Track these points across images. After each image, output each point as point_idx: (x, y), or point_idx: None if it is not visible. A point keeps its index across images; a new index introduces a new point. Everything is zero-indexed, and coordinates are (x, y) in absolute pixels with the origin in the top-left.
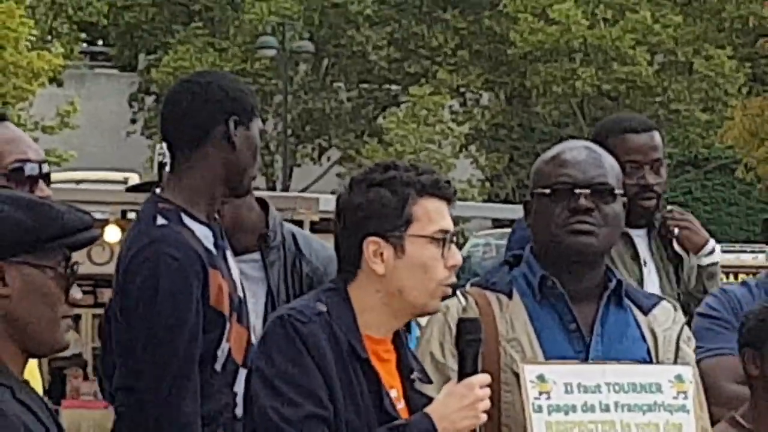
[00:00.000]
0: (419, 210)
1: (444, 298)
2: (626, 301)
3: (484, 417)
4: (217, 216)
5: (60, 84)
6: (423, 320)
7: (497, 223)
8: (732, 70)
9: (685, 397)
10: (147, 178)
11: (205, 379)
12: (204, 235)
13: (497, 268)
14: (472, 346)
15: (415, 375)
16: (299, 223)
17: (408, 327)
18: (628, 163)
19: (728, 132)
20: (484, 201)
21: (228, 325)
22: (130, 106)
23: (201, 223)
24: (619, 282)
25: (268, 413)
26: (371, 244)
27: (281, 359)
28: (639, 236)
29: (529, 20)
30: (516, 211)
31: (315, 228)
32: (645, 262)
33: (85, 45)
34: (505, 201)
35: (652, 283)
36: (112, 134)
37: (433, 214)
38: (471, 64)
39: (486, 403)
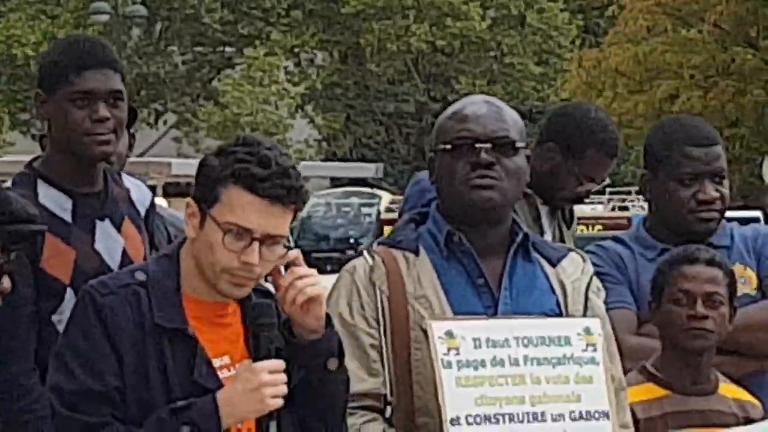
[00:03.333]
0: (226, 195)
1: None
2: (534, 254)
3: (272, 403)
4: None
5: None
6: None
7: (336, 182)
8: (564, 23)
9: (594, 350)
10: None
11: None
12: (55, 201)
13: (403, 226)
14: (264, 331)
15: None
16: (152, 188)
17: None
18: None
19: (565, 84)
20: (322, 161)
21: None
22: None
23: (61, 190)
24: (526, 235)
25: (49, 388)
26: (189, 206)
27: (74, 332)
28: (543, 210)
29: None
30: (354, 170)
31: (167, 191)
32: (544, 230)
33: None
34: (343, 159)
35: None
36: None
37: (236, 207)
38: (304, 24)
39: (274, 390)
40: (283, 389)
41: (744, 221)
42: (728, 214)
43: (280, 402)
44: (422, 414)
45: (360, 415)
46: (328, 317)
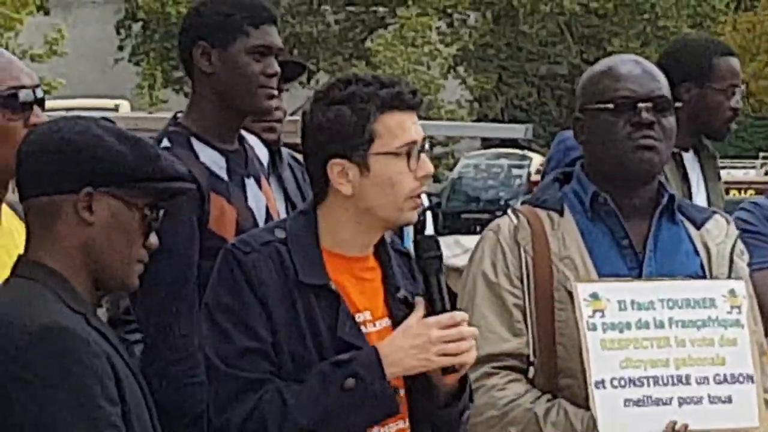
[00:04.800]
0: (380, 126)
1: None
2: (678, 216)
3: (439, 360)
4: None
5: (47, 12)
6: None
7: (486, 143)
8: None
9: (739, 312)
10: (136, 105)
11: None
12: (212, 160)
13: (547, 185)
14: (432, 264)
15: (402, 293)
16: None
17: (400, 231)
18: (730, 87)
19: None
20: (473, 121)
21: None
22: (117, 33)
23: (213, 148)
24: (672, 197)
25: (206, 349)
26: (335, 166)
27: (222, 292)
28: (688, 159)
29: None
30: (505, 131)
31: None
32: (693, 183)
33: None
34: (494, 120)
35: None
36: (100, 62)
37: (395, 129)
38: None
39: (443, 347)
40: (452, 347)
41: None
42: None
43: (448, 360)
44: (565, 375)
45: (502, 375)
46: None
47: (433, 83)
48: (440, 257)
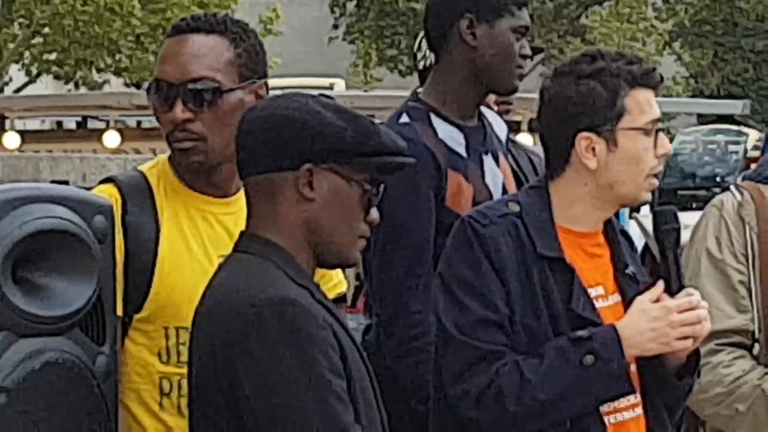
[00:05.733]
0: (630, 102)
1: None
2: None
3: (677, 345)
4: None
5: None
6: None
7: (702, 119)
8: None
9: None
10: (350, 83)
11: None
12: (451, 136)
13: None
14: (670, 237)
15: (630, 269)
16: (518, 123)
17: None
18: None
19: None
20: (689, 97)
21: None
22: (332, 11)
23: (452, 124)
24: None
25: (441, 318)
26: (583, 140)
27: (459, 263)
28: None
29: None
30: (721, 107)
31: (532, 127)
32: None
33: None
34: (710, 97)
35: None
36: (314, 40)
37: (644, 105)
38: None
39: (682, 331)
40: (690, 330)
41: None
42: None
43: (687, 343)
44: None
45: (728, 352)
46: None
47: (648, 59)
48: (678, 230)
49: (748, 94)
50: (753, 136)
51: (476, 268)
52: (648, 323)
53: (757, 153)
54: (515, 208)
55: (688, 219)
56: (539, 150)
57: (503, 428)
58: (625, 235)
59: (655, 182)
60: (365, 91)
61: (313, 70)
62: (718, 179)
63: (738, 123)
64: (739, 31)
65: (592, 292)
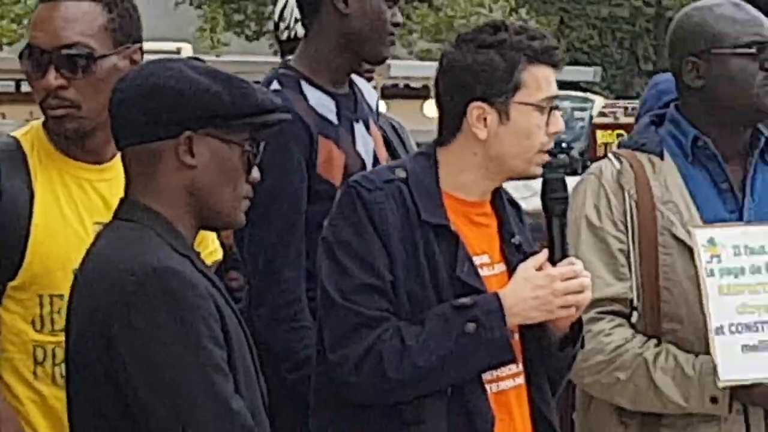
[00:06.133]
0: (528, 77)
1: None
2: None
3: (560, 313)
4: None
5: None
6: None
7: None
8: None
9: None
10: (198, 48)
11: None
12: (321, 103)
13: (645, 128)
14: (557, 205)
15: (517, 239)
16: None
17: None
18: None
19: None
20: None
21: None
22: None
23: (324, 91)
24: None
25: (324, 283)
26: (476, 109)
27: (343, 228)
28: None
29: None
30: (572, 73)
31: (385, 93)
32: None
33: None
34: None
35: None
36: (161, 4)
37: (542, 82)
38: None
39: (565, 299)
40: (573, 299)
41: None
42: None
43: (570, 311)
44: (669, 320)
45: (608, 320)
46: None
47: None
48: (566, 199)
49: (593, 61)
50: (599, 102)
51: (360, 233)
52: (531, 291)
53: (604, 119)
54: (402, 174)
55: (538, 185)
56: (396, 116)
57: (382, 394)
58: (515, 204)
59: (546, 158)
60: (217, 55)
61: (160, 34)
62: (564, 145)
63: (584, 90)
64: None
65: (477, 260)
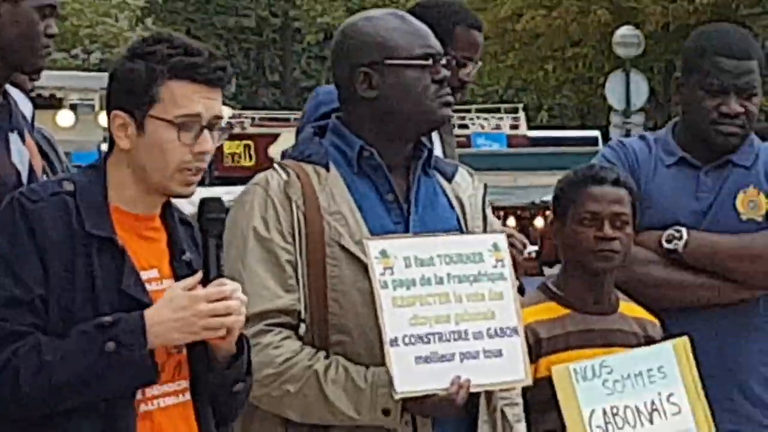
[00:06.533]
0: (165, 92)
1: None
2: (431, 170)
3: (205, 335)
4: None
5: None
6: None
7: None
8: None
9: (503, 265)
10: None
11: None
12: None
13: (308, 139)
14: (214, 226)
15: (187, 256)
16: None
17: None
18: (463, 59)
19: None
20: None
21: None
22: None
23: None
24: (430, 151)
25: None
26: (117, 118)
27: (1, 239)
28: None
29: None
30: None
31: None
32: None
33: None
34: None
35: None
36: None
37: (179, 99)
38: None
39: (207, 321)
40: (216, 322)
41: (581, 141)
42: (565, 133)
43: (216, 333)
44: (337, 331)
45: (276, 332)
46: (242, 339)
47: (121, 35)
48: (223, 220)
49: None
50: (226, 112)
51: (16, 245)
52: (173, 312)
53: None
54: (69, 186)
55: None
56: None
57: (19, 408)
58: (188, 224)
59: (192, 177)
60: None
61: None
62: None
63: None
64: (211, 8)
65: (145, 275)
